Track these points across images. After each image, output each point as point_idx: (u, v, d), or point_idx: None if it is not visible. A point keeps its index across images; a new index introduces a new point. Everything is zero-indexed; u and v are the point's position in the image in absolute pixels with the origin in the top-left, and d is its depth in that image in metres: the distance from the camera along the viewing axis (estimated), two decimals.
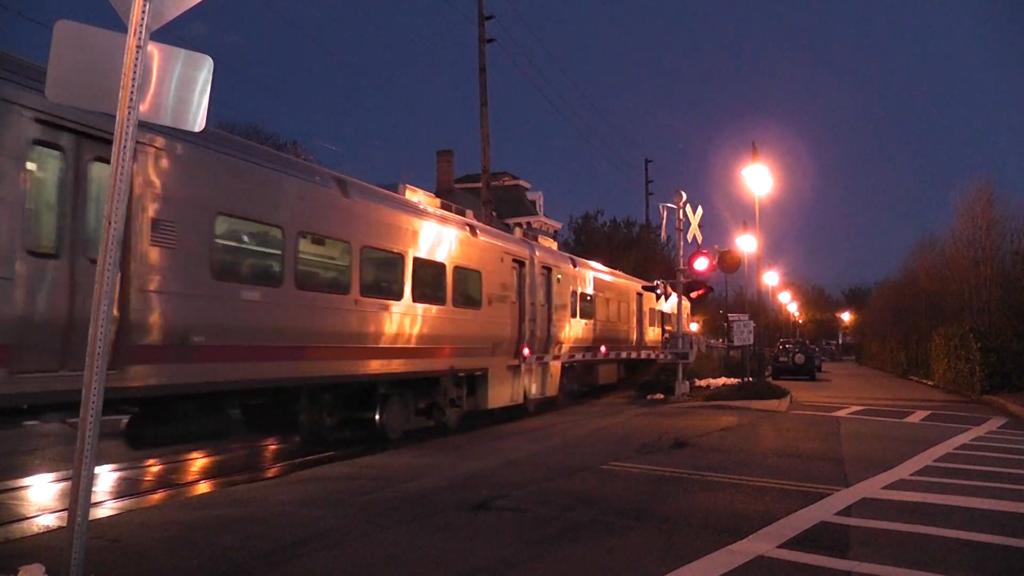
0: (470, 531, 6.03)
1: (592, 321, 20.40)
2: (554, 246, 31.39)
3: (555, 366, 17.41)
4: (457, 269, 12.99)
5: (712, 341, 51.43)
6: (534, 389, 16.23)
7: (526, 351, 15.76)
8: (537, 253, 16.81)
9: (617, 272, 25.33)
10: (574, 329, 18.84)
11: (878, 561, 5.27)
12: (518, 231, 17.90)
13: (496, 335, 14.41)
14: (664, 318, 29.40)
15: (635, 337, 25.33)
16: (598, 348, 20.63)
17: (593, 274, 21.02)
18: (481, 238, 14.11)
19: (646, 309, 26.63)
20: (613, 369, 22.95)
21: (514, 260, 15.46)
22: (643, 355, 25.61)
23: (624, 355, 23.65)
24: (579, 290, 19.39)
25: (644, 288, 24.58)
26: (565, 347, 17.97)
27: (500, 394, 14.62)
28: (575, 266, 19.50)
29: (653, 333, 28.28)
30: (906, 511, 6.91)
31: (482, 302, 13.86)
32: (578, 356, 19.09)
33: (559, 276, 17.75)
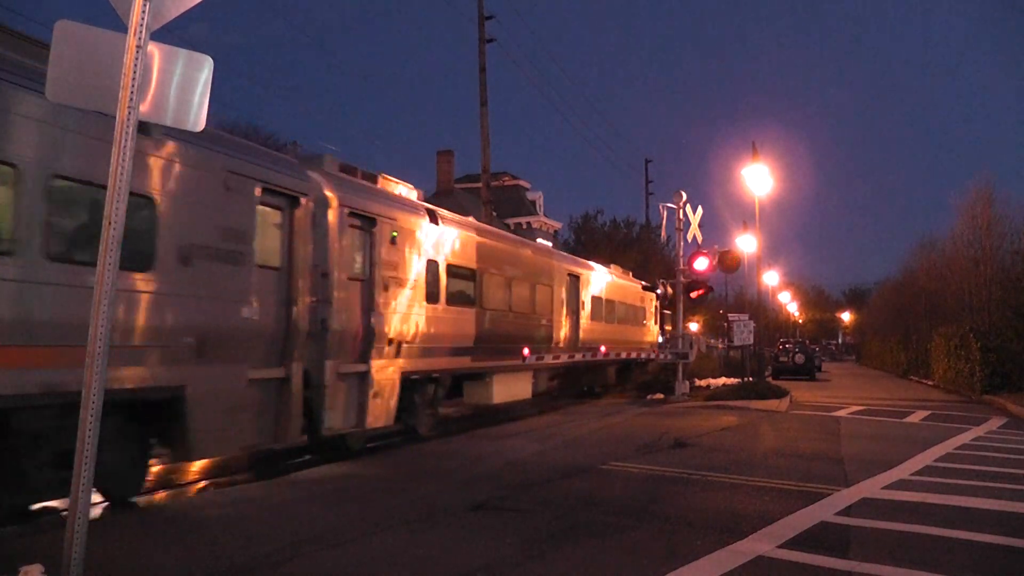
0: (470, 531, 6.03)
1: (473, 310, 13.65)
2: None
3: (386, 379, 10.70)
4: (63, 184, 6.38)
5: (712, 341, 51.49)
6: (334, 418, 9.62)
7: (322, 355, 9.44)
8: (339, 192, 9.90)
9: (527, 240, 18.31)
10: (432, 321, 12.02)
11: (878, 561, 5.27)
12: (333, 160, 10.71)
13: (207, 324, 7.67)
14: (638, 311, 25.12)
15: (564, 335, 18.30)
16: (494, 350, 14.39)
17: (475, 239, 13.93)
18: (158, 137, 7.11)
19: (586, 297, 20.00)
20: (524, 379, 16.28)
21: (268, 192, 8.64)
22: (586, 357, 19.76)
23: (543, 359, 16.97)
24: (443, 261, 12.56)
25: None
26: (409, 349, 11.33)
27: (227, 431, 7.95)
28: (436, 223, 12.45)
29: (611, 329, 22.02)
30: (906, 511, 6.91)
31: (158, 258, 7.15)
32: (440, 362, 12.41)
33: (395, 234, 10.99)
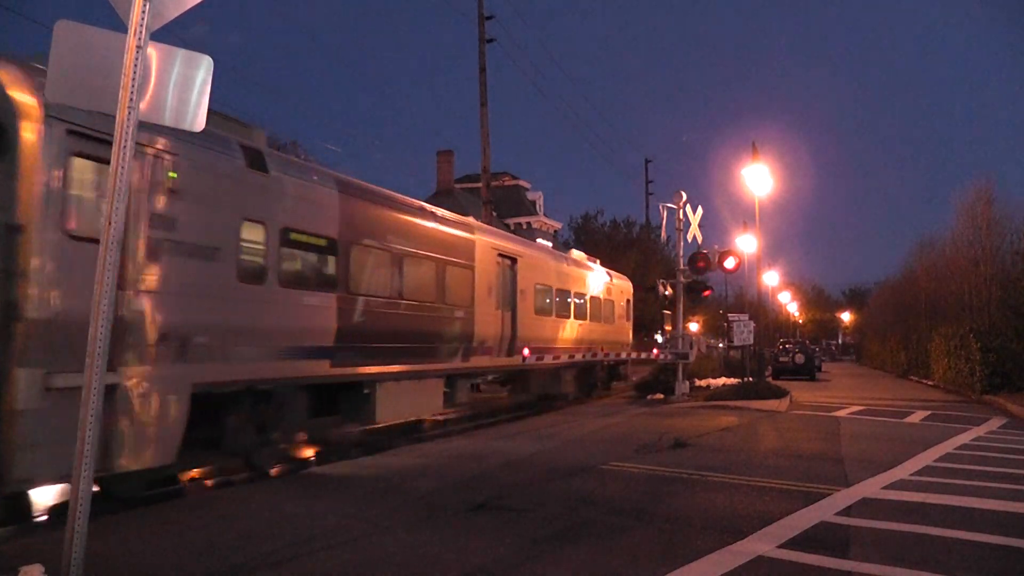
0: (471, 531, 6.03)
1: (334, 296, 9.92)
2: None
3: (156, 395, 7.16)
4: None
5: (712, 341, 51.51)
6: (37, 461, 6.07)
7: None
8: (44, 96, 5.80)
9: (433, 208, 13.50)
10: (252, 309, 8.51)
11: (878, 561, 5.27)
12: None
13: None
14: (605, 305, 21.91)
15: (491, 332, 14.58)
16: (375, 352, 10.72)
17: (336, 197, 10.15)
18: None
19: (528, 286, 16.42)
20: (431, 390, 12.62)
21: None
22: (526, 360, 16.28)
23: (458, 364, 13.33)
24: (276, 223, 8.94)
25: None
26: (207, 349, 7.78)
27: None
28: (265, 170, 8.86)
29: (568, 326, 18.80)
30: (906, 511, 6.91)
31: None
32: (270, 369, 8.71)
33: (173, 175, 7.47)
